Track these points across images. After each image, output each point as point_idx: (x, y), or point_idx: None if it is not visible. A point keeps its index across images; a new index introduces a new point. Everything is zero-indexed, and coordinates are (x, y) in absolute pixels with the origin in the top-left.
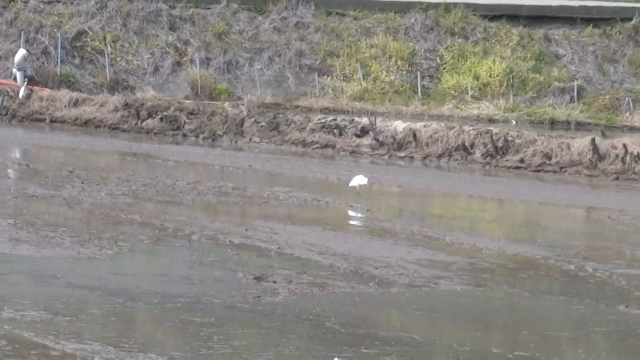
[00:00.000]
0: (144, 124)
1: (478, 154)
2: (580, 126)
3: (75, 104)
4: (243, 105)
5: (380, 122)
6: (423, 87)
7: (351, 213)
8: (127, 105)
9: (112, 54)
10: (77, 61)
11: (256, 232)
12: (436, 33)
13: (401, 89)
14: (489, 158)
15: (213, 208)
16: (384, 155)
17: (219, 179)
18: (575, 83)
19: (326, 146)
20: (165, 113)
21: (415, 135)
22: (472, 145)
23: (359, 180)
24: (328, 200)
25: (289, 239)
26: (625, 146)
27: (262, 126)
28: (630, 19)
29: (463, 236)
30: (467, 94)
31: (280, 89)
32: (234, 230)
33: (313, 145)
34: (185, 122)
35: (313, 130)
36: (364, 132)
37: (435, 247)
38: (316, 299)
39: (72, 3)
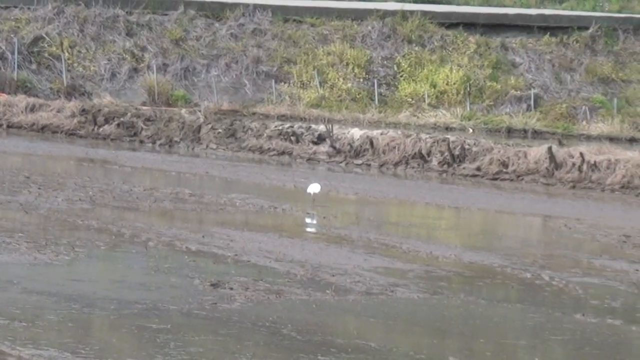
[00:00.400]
0: (101, 129)
1: (435, 162)
2: (537, 134)
3: (32, 109)
4: (200, 111)
5: (337, 129)
6: (380, 94)
7: (308, 220)
8: (83, 111)
9: (69, 59)
10: (33, 66)
11: (213, 239)
12: (393, 40)
13: (358, 96)
14: (445, 166)
15: (170, 214)
16: (341, 162)
17: (176, 185)
18: (532, 91)
19: (283, 153)
20: (122, 119)
21: (372, 143)
22: (429, 153)
23: (313, 188)
24: (285, 207)
25: (246, 246)
26: (581, 154)
27: (219, 132)
28: (587, 28)
29: (419, 244)
30: (424, 101)
31: (237, 96)
32: (191, 236)
33: (270, 152)
34: (142, 128)
35: (270, 137)
36: (320, 139)
37: (392, 255)
38: (272, 306)
39: (28, 8)
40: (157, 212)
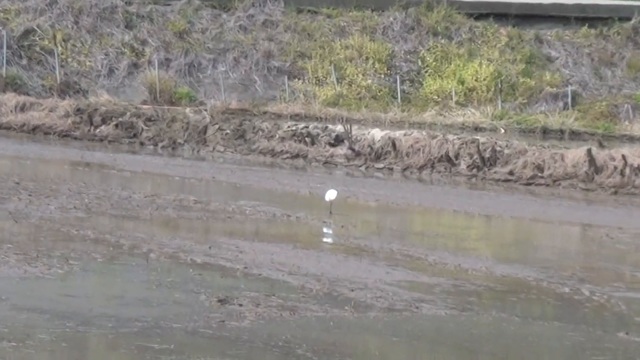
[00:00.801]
0: (97, 130)
1: (463, 165)
2: (575, 135)
3: (22, 108)
4: (206, 110)
5: (355, 130)
6: (403, 91)
7: (324, 229)
8: (78, 110)
9: (62, 54)
10: (24, 62)
11: (220, 250)
12: (417, 33)
13: (379, 94)
14: (475, 170)
15: (173, 223)
16: (360, 166)
17: (179, 191)
18: (569, 88)
19: (297, 156)
20: (120, 119)
21: (394, 145)
22: (457, 156)
23: (331, 195)
24: (299, 215)
25: (256, 258)
26: (624, 157)
27: (227, 134)
28: (628, 18)
29: (447, 255)
30: (451, 99)
31: (246, 93)
32: (196, 247)
33: (282, 154)
34: (143, 129)
35: (282, 139)
36: (338, 140)
37: (417, 268)
38: (286, 324)
39: None
40: (159, 221)
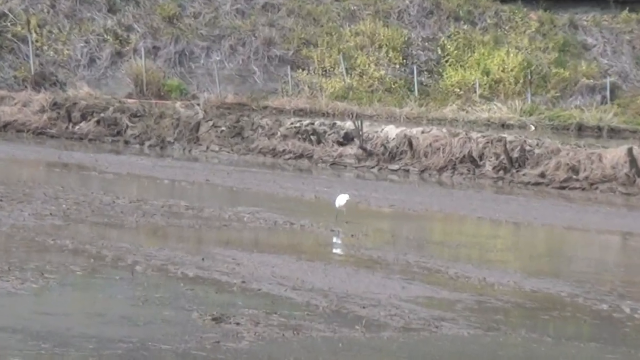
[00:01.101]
0: (77, 127)
1: (488, 167)
2: (614, 133)
3: None
4: (198, 105)
5: (367, 127)
6: (420, 83)
7: (332, 239)
8: (55, 105)
9: (37, 41)
10: None
11: (215, 262)
12: (436, 17)
13: (393, 86)
14: (501, 172)
15: (161, 232)
16: (372, 167)
17: (169, 196)
18: (608, 80)
19: (301, 156)
20: (102, 114)
21: (410, 143)
22: (481, 156)
23: (340, 200)
24: (303, 222)
25: (255, 271)
26: None
27: (222, 131)
28: None
29: (470, 268)
30: (475, 92)
31: (244, 86)
32: (188, 259)
33: (285, 154)
34: (127, 126)
35: (285, 137)
36: (347, 139)
37: (436, 282)
38: (289, 345)
39: None
40: (146, 229)
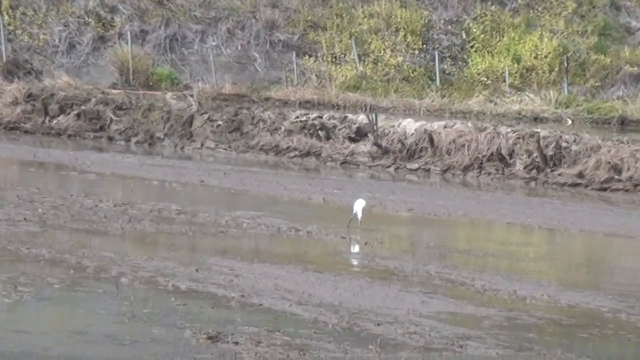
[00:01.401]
0: (54, 122)
1: (519, 166)
2: None
3: None
4: (192, 96)
5: (383, 121)
6: (442, 72)
7: (343, 247)
8: (30, 97)
9: (9, 24)
10: None
11: (210, 274)
12: None
13: (412, 75)
14: (534, 171)
15: (150, 240)
16: (389, 166)
17: (158, 198)
18: None
19: (308, 154)
20: (83, 107)
21: (431, 139)
22: (511, 154)
23: (358, 205)
24: (310, 229)
25: (256, 283)
26: None
27: (219, 126)
28: None
29: (499, 280)
30: (504, 81)
31: (243, 75)
32: (180, 270)
33: (289, 152)
34: (112, 120)
35: (290, 132)
36: (360, 134)
37: (460, 296)
38: None
39: None
40: (133, 236)
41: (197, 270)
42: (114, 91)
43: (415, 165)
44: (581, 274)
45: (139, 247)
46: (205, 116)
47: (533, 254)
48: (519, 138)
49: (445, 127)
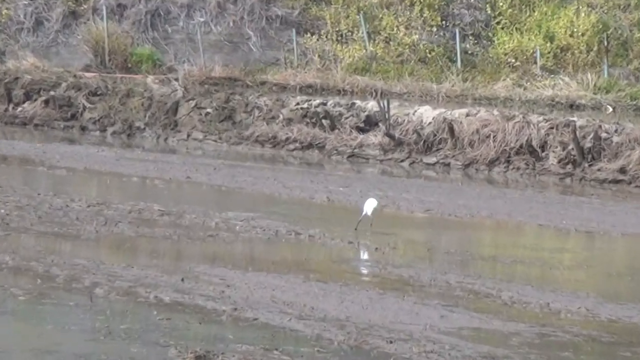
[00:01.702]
0: (19, 109)
1: (552, 160)
2: None
3: None
4: (176, 80)
5: (396, 109)
6: (464, 52)
7: (350, 254)
8: None
9: None
10: None
11: (198, 284)
12: None
13: (429, 56)
14: (569, 166)
15: (129, 245)
16: (403, 160)
17: (138, 197)
18: None
19: (310, 146)
20: (52, 93)
21: (451, 130)
22: (544, 146)
23: (369, 205)
24: (312, 232)
25: (251, 295)
26: None
27: (207, 114)
28: None
29: (529, 291)
30: (535, 63)
31: (235, 55)
32: (163, 280)
33: (289, 144)
34: (85, 107)
35: (289, 121)
36: (370, 123)
37: (485, 309)
38: None
39: None
40: (109, 241)
41: (182, 279)
42: (87, 74)
43: (433, 159)
44: (624, 284)
45: (116, 253)
46: (192, 103)
47: (568, 261)
48: (552, 128)
49: (467, 115)
